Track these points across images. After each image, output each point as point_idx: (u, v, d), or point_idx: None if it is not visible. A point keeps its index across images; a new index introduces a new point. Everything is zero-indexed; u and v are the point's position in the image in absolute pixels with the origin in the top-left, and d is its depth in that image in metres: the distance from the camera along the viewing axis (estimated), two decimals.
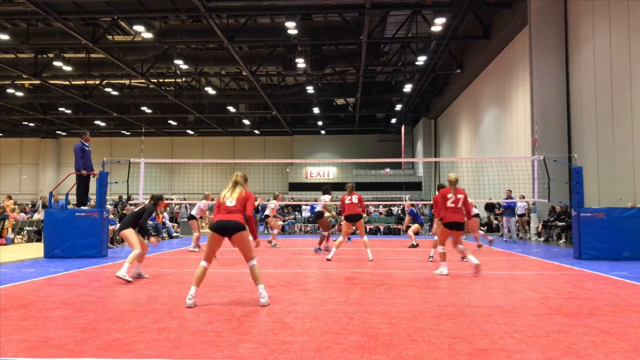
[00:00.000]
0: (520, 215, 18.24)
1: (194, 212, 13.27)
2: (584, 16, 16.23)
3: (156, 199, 8.18)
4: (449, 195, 8.25)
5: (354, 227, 11.36)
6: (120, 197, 21.08)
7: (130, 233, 7.76)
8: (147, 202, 8.33)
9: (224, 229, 5.68)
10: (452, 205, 8.23)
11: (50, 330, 4.51)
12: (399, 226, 22.32)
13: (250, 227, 5.78)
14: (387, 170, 20.89)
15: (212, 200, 14.46)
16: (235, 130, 44.66)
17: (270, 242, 14.56)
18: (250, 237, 5.84)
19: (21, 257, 11.27)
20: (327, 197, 12.76)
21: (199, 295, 6.32)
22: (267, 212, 15.71)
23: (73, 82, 30.96)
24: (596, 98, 15.43)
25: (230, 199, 5.82)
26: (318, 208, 12.78)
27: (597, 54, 15.41)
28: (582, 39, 16.28)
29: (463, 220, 8.27)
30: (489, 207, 23.54)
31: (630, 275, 8.18)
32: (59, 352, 3.87)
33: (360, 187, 35.80)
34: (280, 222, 19.86)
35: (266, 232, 23.03)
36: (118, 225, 15.33)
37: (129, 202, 15.51)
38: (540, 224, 17.72)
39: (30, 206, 22.67)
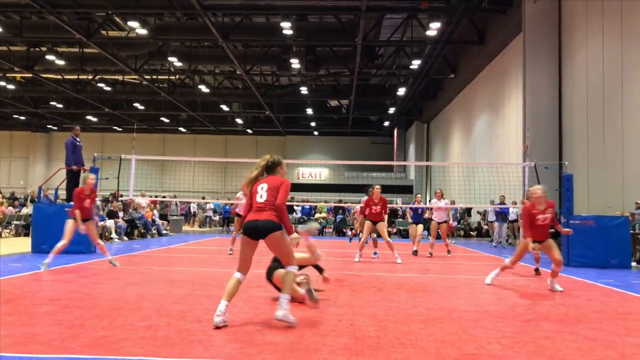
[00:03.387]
0: (512, 221, 18.34)
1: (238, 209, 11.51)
2: (577, 24, 16.34)
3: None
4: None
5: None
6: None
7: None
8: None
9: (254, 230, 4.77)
10: None
11: (36, 326, 4.47)
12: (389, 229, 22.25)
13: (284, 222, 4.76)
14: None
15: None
16: (228, 129, 44.55)
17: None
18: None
19: (8, 252, 11.15)
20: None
21: (189, 295, 6.29)
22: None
23: (65, 77, 30.70)
24: (588, 106, 15.54)
25: (259, 194, 4.80)
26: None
27: (589, 62, 15.52)
28: (575, 47, 16.40)
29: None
30: (469, 211, 23.93)
31: (617, 283, 8.25)
32: (45, 348, 3.84)
33: (352, 189, 36.09)
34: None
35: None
36: (107, 221, 15.22)
37: (118, 198, 15.40)
38: None
39: (22, 199, 22.50)
